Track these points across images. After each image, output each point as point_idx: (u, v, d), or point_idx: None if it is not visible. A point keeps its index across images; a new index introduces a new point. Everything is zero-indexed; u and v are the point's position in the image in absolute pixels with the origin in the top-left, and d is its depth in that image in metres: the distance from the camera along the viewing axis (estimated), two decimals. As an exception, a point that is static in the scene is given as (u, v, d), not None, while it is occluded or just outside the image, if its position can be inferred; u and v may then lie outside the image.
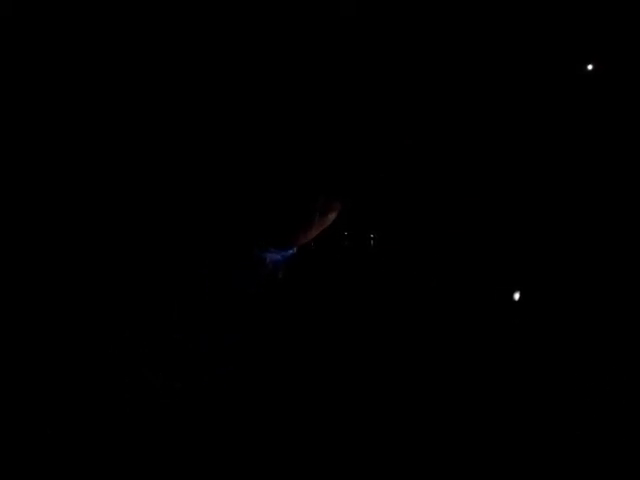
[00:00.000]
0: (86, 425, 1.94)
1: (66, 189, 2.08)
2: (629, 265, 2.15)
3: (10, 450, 1.89)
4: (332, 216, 2.09)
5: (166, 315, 2.01)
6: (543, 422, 2.06)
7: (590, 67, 2.22)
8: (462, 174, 2.24)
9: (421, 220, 2.25)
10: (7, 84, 2.06)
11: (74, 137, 2.11)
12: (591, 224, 2.20)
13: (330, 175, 2.08)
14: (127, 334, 1.99)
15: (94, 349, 1.99)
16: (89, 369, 1.98)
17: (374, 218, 2.25)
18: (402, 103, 2.21)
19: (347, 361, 2.12)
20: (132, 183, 2.06)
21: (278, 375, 2.07)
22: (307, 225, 2.06)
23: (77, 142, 2.10)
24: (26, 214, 2.05)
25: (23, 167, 2.07)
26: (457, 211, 2.24)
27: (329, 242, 2.20)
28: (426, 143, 2.23)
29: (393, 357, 2.14)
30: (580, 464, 2.02)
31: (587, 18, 2.18)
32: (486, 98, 2.22)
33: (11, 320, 1.99)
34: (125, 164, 2.07)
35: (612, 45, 2.19)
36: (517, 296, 2.19)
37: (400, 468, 2.05)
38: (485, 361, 2.14)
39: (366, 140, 2.18)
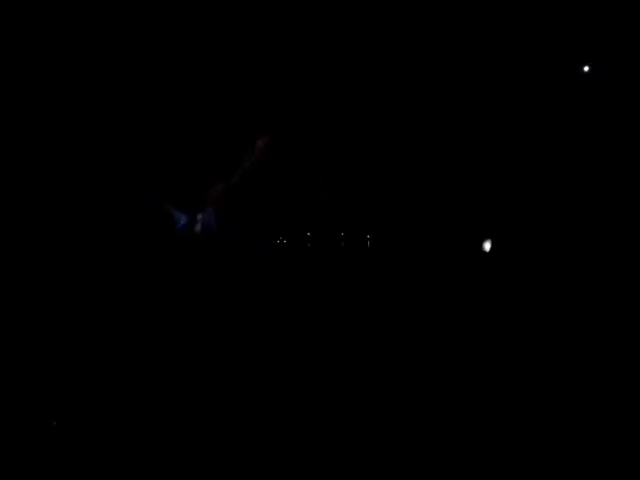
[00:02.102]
0: (86, 425, 1.93)
1: (63, 187, 2.08)
2: (629, 264, 2.16)
3: (10, 450, 1.88)
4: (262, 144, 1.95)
5: (164, 314, 2.01)
6: (543, 421, 2.07)
7: (587, 68, 2.23)
8: (461, 174, 2.24)
9: (419, 220, 2.25)
10: (7, 84, 2.06)
11: (71, 137, 2.10)
12: (591, 223, 2.21)
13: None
14: (126, 334, 1.99)
15: (94, 348, 1.98)
16: (89, 369, 1.97)
17: (371, 219, 2.25)
18: (401, 103, 2.21)
19: (344, 361, 2.12)
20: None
21: (276, 375, 2.06)
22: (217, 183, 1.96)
23: (73, 141, 2.10)
24: (26, 214, 2.05)
25: (23, 167, 2.07)
26: (455, 211, 2.25)
27: (326, 243, 2.20)
28: (425, 143, 2.24)
29: (390, 357, 2.14)
30: (580, 464, 2.03)
31: (587, 18, 2.19)
32: (485, 98, 2.23)
33: (11, 320, 1.98)
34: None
35: (611, 46, 2.20)
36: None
37: (400, 467, 2.04)
38: (484, 360, 2.14)
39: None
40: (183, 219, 1.97)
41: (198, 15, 2.15)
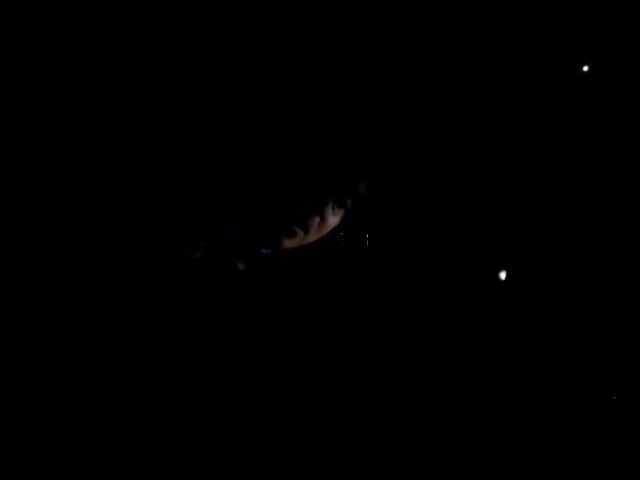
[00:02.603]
0: (86, 425, 1.93)
1: (62, 187, 2.08)
2: (629, 265, 2.16)
3: (10, 450, 1.89)
4: (334, 222, 1.93)
5: (165, 313, 2.01)
6: (543, 422, 2.07)
7: (585, 68, 2.23)
8: (461, 174, 2.24)
9: (418, 220, 2.26)
10: (7, 84, 2.07)
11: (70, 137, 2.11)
12: (591, 225, 2.21)
13: (334, 174, 1.97)
14: (125, 334, 1.99)
15: (93, 348, 1.99)
16: (89, 369, 1.97)
17: (370, 218, 2.25)
18: (401, 102, 2.22)
19: (344, 363, 2.12)
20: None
21: (277, 375, 2.07)
22: (305, 228, 1.89)
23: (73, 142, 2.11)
24: (25, 214, 2.05)
25: (22, 166, 2.07)
26: (456, 211, 2.25)
27: (324, 243, 2.20)
28: (425, 143, 2.24)
29: (390, 358, 2.15)
30: (580, 464, 2.03)
31: (586, 18, 2.19)
32: (485, 98, 2.23)
33: (11, 320, 1.98)
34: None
35: (611, 45, 2.20)
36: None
37: (400, 468, 2.05)
38: (484, 361, 2.15)
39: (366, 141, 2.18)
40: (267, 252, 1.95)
41: (198, 15, 2.15)
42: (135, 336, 1.98)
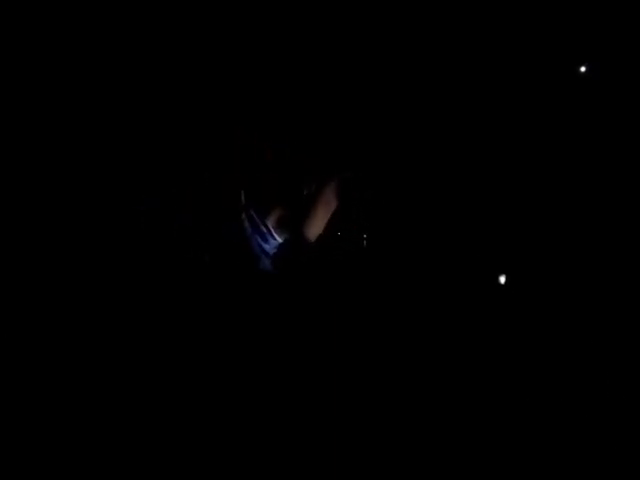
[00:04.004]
0: (86, 425, 1.93)
1: (62, 187, 2.08)
2: (629, 265, 2.16)
3: (10, 450, 1.88)
4: (330, 207, 2.06)
5: (167, 313, 2.01)
6: (543, 421, 2.07)
7: (583, 69, 2.23)
8: (460, 174, 2.24)
9: (416, 220, 2.25)
10: (7, 84, 2.06)
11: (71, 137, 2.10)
12: (591, 224, 2.21)
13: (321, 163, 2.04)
14: (128, 332, 1.99)
15: (93, 349, 1.98)
16: (89, 369, 1.97)
17: (367, 218, 2.25)
18: (402, 103, 2.22)
19: (342, 361, 2.12)
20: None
21: (277, 374, 2.06)
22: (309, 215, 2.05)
23: (74, 142, 2.10)
24: (25, 214, 2.05)
25: (22, 166, 2.06)
26: (454, 211, 2.25)
27: (325, 243, 2.19)
28: (425, 143, 2.24)
29: (387, 357, 2.14)
30: (580, 464, 2.03)
31: (585, 18, 2.20)
32: (485, 99, 2.23)
33: (10, 320, 1.98)
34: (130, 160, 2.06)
35: (609, 46, 2.20)
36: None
37: (400, 468, 2.05)
38: (483, 361, 2.14)
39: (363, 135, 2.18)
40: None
41: (198, 15, 2.15)
42: (135, 335, 1.98)
